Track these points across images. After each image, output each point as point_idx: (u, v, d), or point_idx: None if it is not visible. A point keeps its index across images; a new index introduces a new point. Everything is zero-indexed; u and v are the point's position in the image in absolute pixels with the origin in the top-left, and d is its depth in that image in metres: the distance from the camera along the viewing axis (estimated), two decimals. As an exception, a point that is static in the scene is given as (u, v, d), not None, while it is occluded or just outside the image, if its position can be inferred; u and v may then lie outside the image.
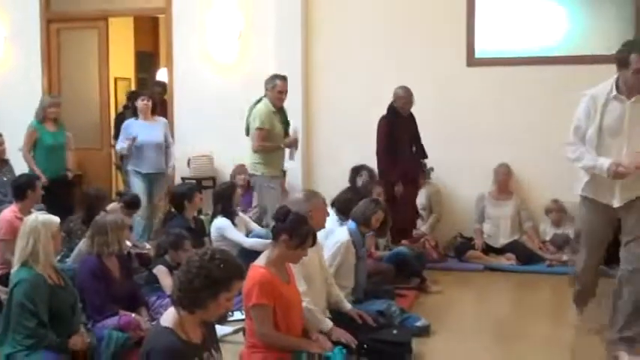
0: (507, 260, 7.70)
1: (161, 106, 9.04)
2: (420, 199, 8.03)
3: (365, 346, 4.58)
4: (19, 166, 7.71)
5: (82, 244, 5.76)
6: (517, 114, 7.91)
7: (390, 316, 5.33)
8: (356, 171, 7.89)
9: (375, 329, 4.86)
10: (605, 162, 4.41)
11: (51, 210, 6.33)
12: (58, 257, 5.49)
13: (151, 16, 10.93)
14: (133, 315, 4.95)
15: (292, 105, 8.33)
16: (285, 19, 8.38)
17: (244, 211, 7.48)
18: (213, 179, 8.65)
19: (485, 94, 7.96)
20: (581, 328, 5.65)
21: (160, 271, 5.66)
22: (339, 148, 8.30)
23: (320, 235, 4.88)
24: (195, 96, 8.80)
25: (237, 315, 5.29)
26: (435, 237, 7.84)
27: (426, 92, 7.70)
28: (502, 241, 7.89)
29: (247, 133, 7.15)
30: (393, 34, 8.22)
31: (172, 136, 9.04)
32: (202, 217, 7.18)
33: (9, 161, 7.83)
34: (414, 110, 7.45)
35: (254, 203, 7.94)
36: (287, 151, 7.19)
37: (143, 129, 7.69)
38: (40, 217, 4.48)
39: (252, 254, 6.21)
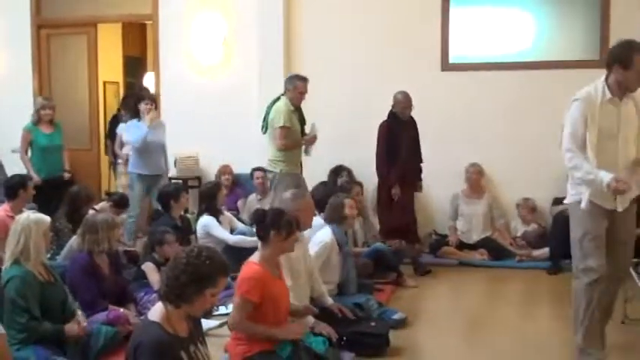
0: (480, 256, 7.73)
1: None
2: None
3: (344, 338, 4.60)
4: (16, 167, 7.67)
5: (73, 242, 5.74)
6: (489, 116, 7.96)
7: (369, 310, 5.35)
8: (336, 172, 7.92)
9: (354, 322, 4.88)
10: (605, 176, 4.08)
11: (44, 209, 6.32)
12: (48, 255, 5.45)
13: (138, 22, 10.89)
14: (122, 310, 4.93)
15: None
16: (267, 25, 8.37)
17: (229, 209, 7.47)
18: (199, 179, 8.62)
19: (459, 97, 7.99)
20: (551, 318, 5.70)
21: (148, 267, 5.64)
22: (320, 149, 8.29)
23: (305, 232, 4.89)
24: (182, 98, 8.76)
25: (222, 309, 5.28)
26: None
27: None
28: (475, 237, 7.92)
29: (264, 132, 7.05)
30: (372, 41, 8.24)
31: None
32: (189, 215, 7.15)
33: (0, 162, 7.76)
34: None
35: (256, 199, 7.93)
36: (302, 147, 7.07)
37: (149, 132, 7.54)
38: (31, 215, 4.46)
39: (236, 251, 6.24)
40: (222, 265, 3.02)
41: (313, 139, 6.95)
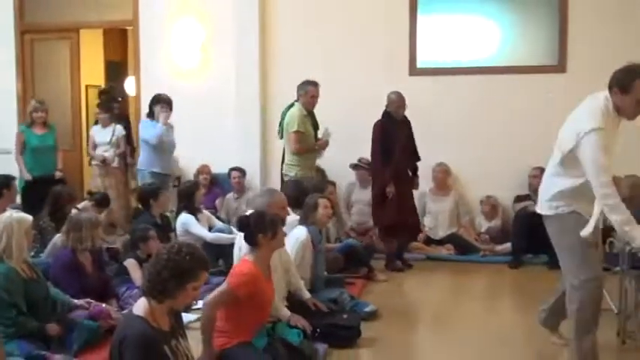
0: (446, 250, 7.77)
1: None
2: (367, 197, 8.06)
3: (318, 330, 4.59)
4: (10, 167, 7.63)
5: (57, 239, 5.70)
6: (455, 118, 8.00)
7: (342, 303, 5.35)
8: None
9: (327, 315, 4.88)
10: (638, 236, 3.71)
11: (35, 207, 6.29)
12: (32, 253, 5.39)
13: (119, 27, 10.80)
14: (104, 305, 4.88)
15: (250, 108, 8.34)
16: (243, 30, 8.34)
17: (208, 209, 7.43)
18: (179, 178, 8.56)
19: (426, 100, 8.00)
20: (513, 310, 5.74)
21: (130, 263, 5.59)
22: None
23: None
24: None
25: (201, 304, 5.23)
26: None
27: (374, 99, 7.72)
28: (441, 233, 7.96)
29: (280, 137, 7.05)
30: (345, 45, 8.25)
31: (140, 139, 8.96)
32: (168, 213, 7.10)
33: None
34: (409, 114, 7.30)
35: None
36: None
37: (164, 132, 7.41)
38: (13, 214, 4.41)
39: (214, 247, 6.22)
40: (202, 260, 3.02)
41: (325, 143, 6.96)
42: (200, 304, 5.14)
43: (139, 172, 7.48)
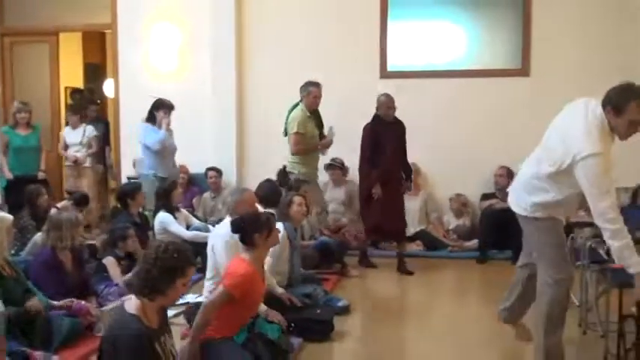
0: (416, 247, 7.79)
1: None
2: (340, 196, 8.07)
3: (293, 324, 4.58)
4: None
5: (38, 238, 5.64)
6: (423, 119, 8.00)
7: (316, 298, 5.35)
8: (285, 172, 7.86)
9: (302, 309, 4.87)
10: (636, 265, 3.50)
11: (17, 206, 6.22)
12: (12, 251, 5.32)
13: (98, 31, 10.71)
14: (83, 302, 4.82)
15: (226, 109, 8.29)
16: (220, 33, 8.30)
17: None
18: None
19: (396, 102, 8.03)
20: (480, 304, 5.78)
21: (109, 261, 5.55)
22: (269, 149, 8.30)
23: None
24: (140, 103, 8.56)
25: (180, 300, 5.20)
26: (354, 228, 7.86)
27: (345, 100, 7.77)
28: (412, 230, 7.96)
29: (285, 135, 6.99)
30: (318, 48, 8.24)
31: (119, 139, 8.89)
32: (146, 212, 7.05)
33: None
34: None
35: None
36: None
37: (167, 136, 7.28)
38: (-6, 214, 4.34)
39: (192, 246, 6.13)
40: (188, 256, 3.06)
41: (328, 143, 6.93)
42: (183, 299, 5.16)
43: (144, 177, 7.35)
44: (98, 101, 11.11)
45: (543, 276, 3.91)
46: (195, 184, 8.49)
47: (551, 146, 3.76)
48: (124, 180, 8.42)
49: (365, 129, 6.93)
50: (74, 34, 10.53)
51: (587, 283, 4.90)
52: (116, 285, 5.35)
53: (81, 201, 6.92)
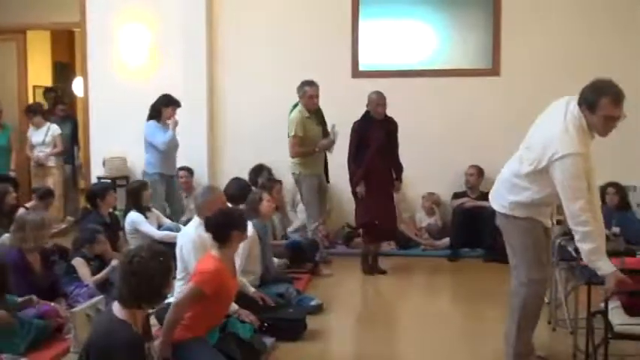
0: (388, 246, 7.81)
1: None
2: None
3: (266, 324, 4.58)
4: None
5: (6, 238, 5.54)
6: (396, 119, 8.04)
7: (289, 297, 5.36)
8: (256, 171, 7.85)
9: (274, 309, 4.87)
10: (609, 267, 3.53)
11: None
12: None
13: (67, 29, 10.58)
14: (52, 304, 4.76)
15: (197, 108, 8.23)
16: (191, 31, 8.23)
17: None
18: (127, 178, 8.42)
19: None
20: (451, 301, 5.82)
21: (78, 262, 5.49)
22: (241, 147, 8.28)
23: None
24: (109, 102, 8.54)
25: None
26: (326, 227, 7.87)
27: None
28: (384, 229, 8.01)
29: (289, 135, 6.95)
30: (290, 50, 8.23)
31: (88, 139, 8.78)
32: (117, 212, 6.98)
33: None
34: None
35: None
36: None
37: (172, 134, 7.24)
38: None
39: (163, 245, 6.11)
40: (170, 266, 3.05)
41: (330, 143, 6.88)
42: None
43: (147, 176, 7.26)
44: (65, 102, 10.97)
45: (518, 275, 3.94)
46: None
47: (532, 145, 3.78)
48: (94, 180, 8.32)
49: (353, 126, 6.82)
50: (42, 32, 10.41)
51: (556, 281, 4.96)
52: (86, 286, 5.29)
53: (44, 195, 6.81)
